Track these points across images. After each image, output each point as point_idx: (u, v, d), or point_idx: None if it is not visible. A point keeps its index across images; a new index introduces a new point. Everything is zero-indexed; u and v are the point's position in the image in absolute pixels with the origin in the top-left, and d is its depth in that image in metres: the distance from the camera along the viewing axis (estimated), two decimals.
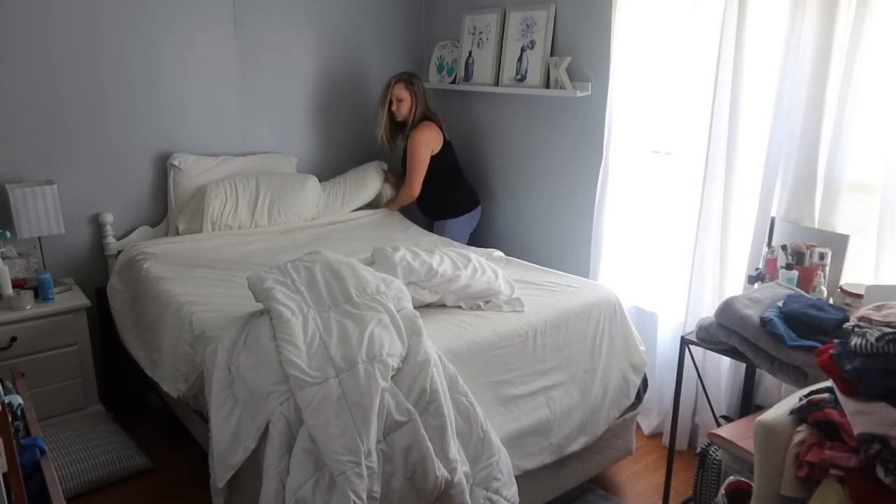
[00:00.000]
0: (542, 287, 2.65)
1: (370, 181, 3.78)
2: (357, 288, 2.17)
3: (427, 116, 3.58)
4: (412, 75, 3.56)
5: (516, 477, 2.12)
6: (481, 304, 2.47)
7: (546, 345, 2.39)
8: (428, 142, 3.54)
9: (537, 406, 2.33)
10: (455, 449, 1.92)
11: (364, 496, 1.72)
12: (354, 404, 1.81)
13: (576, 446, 2.43)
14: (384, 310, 2.11)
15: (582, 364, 2.49)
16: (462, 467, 1.92)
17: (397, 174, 3.87)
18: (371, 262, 2.48)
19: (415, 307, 2.26)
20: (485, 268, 2.51)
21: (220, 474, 1.93)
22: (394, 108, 3.55)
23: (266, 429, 1.87)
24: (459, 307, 2.46)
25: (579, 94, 3.19)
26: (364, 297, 2.15)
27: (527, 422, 2.28)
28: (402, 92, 3.52)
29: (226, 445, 1.92)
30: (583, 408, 2.45)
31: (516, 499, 2.08)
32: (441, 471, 1.85)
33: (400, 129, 3.64)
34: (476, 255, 2.65)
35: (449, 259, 2.49)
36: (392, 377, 1.93)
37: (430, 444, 1.86)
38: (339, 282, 2.20)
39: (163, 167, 3.37)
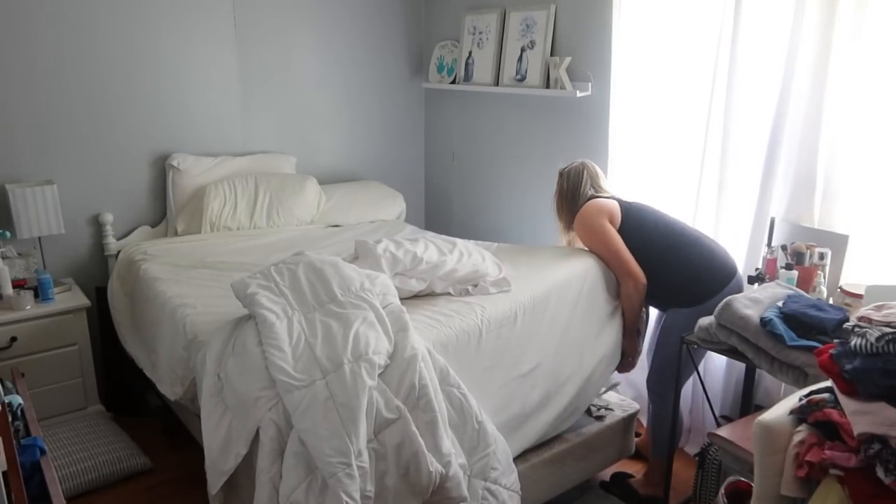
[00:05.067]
0: (526, 264, 2.61)
1: (388, 206, 3.83)
2: (341, 287, 2.15)
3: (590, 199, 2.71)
4: (568, 166, 2.79)
5: (516, 462, 2.12)
6: (469, 288, 2.42)
7: (536, 320, 2.36)
8: (590, 213, 2.61)
9: (533, 386, 2.32)
10: (448, 442, 1.92)
11: (357, 496, 1.71)
12: (342, 405, 1.80)
13: (573, 420, 2.45)
14: (369, 307, 2.08)
15: (572, 332, 2.47)
16: (457, 460, 1.92)
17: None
18: (355, 258, 2.45)
19: (404, 297, 2.24)
20: (471, 251, 2.47)
21: (213, 480, 1.93)
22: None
23: (257, 434, 1.87)
24: (449, 294, 2.41)
25: (579, 94, 3.19)
26: (348, 296, 2.12)
27: (523, 403, 2.27)
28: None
29: (217, 452, 1.92)
30: (577, 377, 2.45)
31: (517, 486, 2.07)
32: (434, 465, 1.84)
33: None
34: (463, 241, 2.62)
35: (434, 245, 2.44)
36: (380, 375, 1.92)
37: (421, 440, 1.85)
38: (322, 282, 2.17)
39: (162, 167, 3.37)
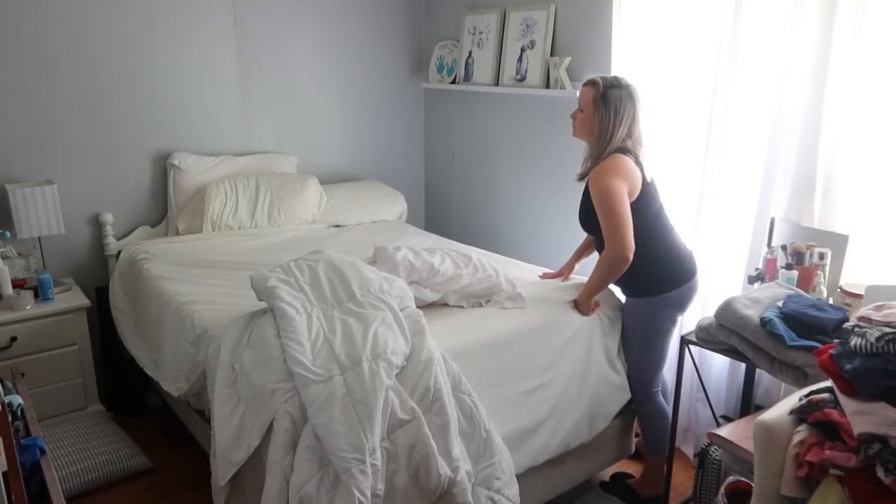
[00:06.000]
0: (542, 285, 2.66)
1: (390, 206, 3.84)
2: (360, 287, 2.18)
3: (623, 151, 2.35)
4: (615, 85, 2.33)
5: (517, 474, 2.13)
6: (482, 302, 2.48)
7: (548, 341, 2.39)
8: (617, 172, 2.30)
9: (539, 402, 2.33)
10: (458, 448, 1.93)
11: (368, 493, 1.73)
12: (359, 402, 1.82)
13: (577, 442, 2.43)
14: (388, 308, 2.12)
15: (583, 360, 2.49)
16: (464, 466, 1.93)
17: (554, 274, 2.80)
18: (373, 262, 2.48)
19: (417, 306, 2.26)
20: (485, 266, 2.51)
21: (223, 472, 1.94)
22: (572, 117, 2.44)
23: (270, 426, 1.88)
24: (461, 306, 2.46)
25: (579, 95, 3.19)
26: (367, 296, 2.15)
27: (529, 419, 2.28)
28: (584, 100, 2.38)
29: (228, 443, 1.93)
30: (584, 403, 2.45)
31: (517, 499, 2.08)
32: (444, 469, 1.85)
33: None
34: (476, 253, 2.65)
35: (450, 258, 2.49)
36: (396, 375, 1.94)
37: (433, 443, 1.87)
38: (342, 280, 2.20)
39: (163, 167, 3.37)
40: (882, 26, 2.21)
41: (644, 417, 2.61)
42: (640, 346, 2.52)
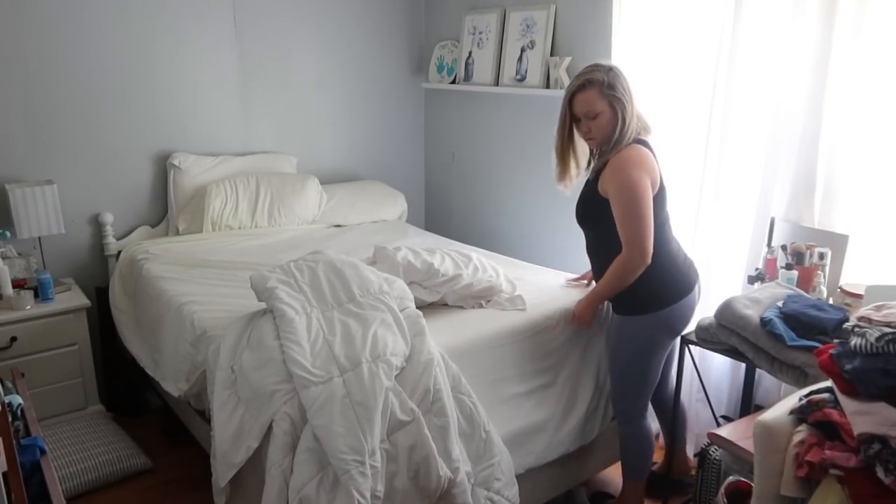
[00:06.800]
0: (541, 286, 2.66)
1: (389, 207, 3.84)
2: (360, 287, 2.18)
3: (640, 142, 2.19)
4: (608, 70, 2.13)
5: (517, 475, 2.13)
6: (483, 303, 2.48)
7: (547, 342, 2.39)
8: (641, 164, 2.10)
9: (539, 403, 2.34)
10: (458, 449, 1.93)
11: (368, 495, 1.73)
12: (358, 404, 1.82)
13: (578, 444, 2.42)
14: (387, 309, 2.12)
15: (582, 360, 2.49)
16: (464, 467, 1.93)
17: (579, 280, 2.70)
18: (373, 262, 2.48)
19: (417, 307, 2.26)
20: (486, 266, 2.51)
21: (222, 473, 1.94)
22: (583, 131, 2.20)
23: (269, 427, 1.88)
24: (461, 307, 2.46)
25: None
26: (367, 297, 2.15)
27: (529, 420, 2.29)
28: (596, 103, 2.13)
29: (228, 444, 1.93)
30: (585, 404, 2.45)
31: (517, 499, 2.08)
32: (444, 470, 1.86)
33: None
34: (477, 254, 2.65)
35: (450, 259, 2.49)
36: (396, 377, 1.94)
37: (433, 444, 1.87)
38: (341, 281, 2.20)
39: (163, 167, 3.38)
40: (883, 24, 2.21)
41: (623, 441, 2.41)
42: (623, 365, 2.32)
